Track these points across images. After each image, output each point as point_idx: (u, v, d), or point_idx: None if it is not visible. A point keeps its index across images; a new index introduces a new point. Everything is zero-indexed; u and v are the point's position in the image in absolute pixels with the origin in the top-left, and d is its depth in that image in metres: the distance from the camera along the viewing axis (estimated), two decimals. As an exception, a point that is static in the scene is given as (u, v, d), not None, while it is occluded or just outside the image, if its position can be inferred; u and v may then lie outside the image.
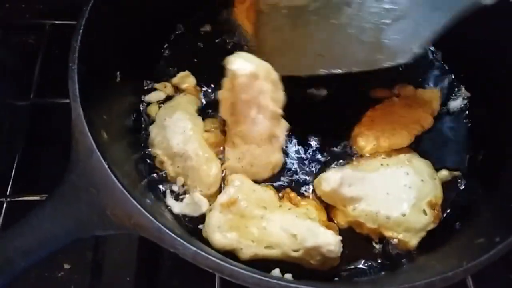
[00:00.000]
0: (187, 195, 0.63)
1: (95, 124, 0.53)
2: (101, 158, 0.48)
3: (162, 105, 0.71)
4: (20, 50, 0.83)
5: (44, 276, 0.69)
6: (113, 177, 0.47)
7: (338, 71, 0.61)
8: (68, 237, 0.46)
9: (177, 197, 0.64)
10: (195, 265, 0.68)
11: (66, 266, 0.69)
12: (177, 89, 0.73)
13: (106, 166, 0.47)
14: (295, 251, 0.57)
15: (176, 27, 0.78)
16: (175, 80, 0.72)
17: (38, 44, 0.83)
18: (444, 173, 0.67)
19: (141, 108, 0.71)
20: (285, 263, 0.57)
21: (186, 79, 0.73)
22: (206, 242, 0.58)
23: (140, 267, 0.69)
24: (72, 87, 0.52)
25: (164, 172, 0.65)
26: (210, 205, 0.62)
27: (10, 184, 0.69)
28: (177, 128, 0.65)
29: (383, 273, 0.59)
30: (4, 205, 0.67)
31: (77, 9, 0.82)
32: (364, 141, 0.68)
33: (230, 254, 0.57)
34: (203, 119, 0.69)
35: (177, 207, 0.62)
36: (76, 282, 0.68)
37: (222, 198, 0.60)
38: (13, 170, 0.70)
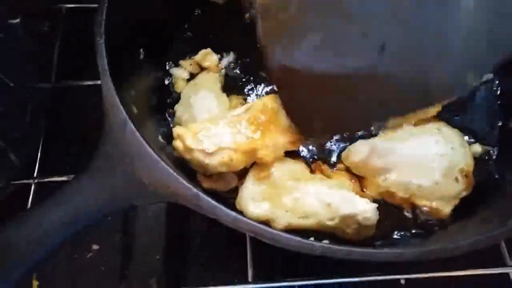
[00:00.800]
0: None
1: (125, 98, 0.52)
2: (134, 129, 0.47)
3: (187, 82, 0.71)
4: (38, 34, 0.83)
5: (74, 258, 0.69)
6: (148, 146, 0.46)
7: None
8: (105, 208, 0.46)
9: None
10: (223, 241, 0.70)
11: (95, 247, 0.70)
12: (201, 67, 0.72)
13: (140, 136, 0.47)
14: (331, 220, 0.56)
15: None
16: (197, 57, 0.71)
17: (55, 29, 0.83)
18: (476, 148, 0.66)
19: (167, 84, 0.71)
20: (320, 233, 0.57)
21: (207, 57, 0.72)
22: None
23: (169, 245, 0.69)
24: (101, 61, 0.52)
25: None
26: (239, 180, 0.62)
27: (37, 166, 0.69)
28: (203, 106, 0.65)
29: (419, 240, 0.58)
30: (32, 187, 0.67)
31: None
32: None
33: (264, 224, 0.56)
34: (227, 96, 0.68)
35: (206, 182, 0.62)
36: (106, 263, 0.68)
37: (254, 170, 0.59)
38: (39, 152, 0.70)
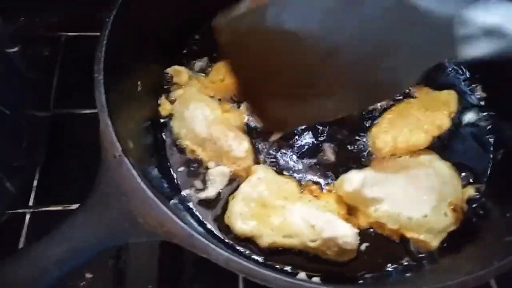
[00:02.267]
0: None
1: (121, 133, 0.53)
2: (130, 167, 0.48)
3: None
4: (37, 62, 0.84)
5: (68, 286, 0.68)
6: (143, 185, 0.47)
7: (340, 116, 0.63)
8: (101, 245, 0.47)
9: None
10: (216, 272, 0.70)
11: (88, 275, 0.69)
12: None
13: (136, 174, 0.48)
14: (313, 241, 0.58)
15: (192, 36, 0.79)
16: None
17: (54, 56, 0.85)
18: (468, 188, 0.67)
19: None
20: (303, 254, 0.59)
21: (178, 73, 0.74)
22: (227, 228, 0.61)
23: (162, 274, 0.69)
24: (99, 97, 0.53)
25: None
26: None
27: (33, 195, 0.70)
28: (197, 117, 0.67)
29: (408, 274, 0.59)
30: (27, 216, 0.68)
31: (91, 21, 0.86)
32: (382, 143, 0.68)
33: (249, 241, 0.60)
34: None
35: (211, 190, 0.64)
36: (99, 291, 0.68)
37: (245, 188, 0.61)
38: (35, 181, 0.71)
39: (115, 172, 0.48)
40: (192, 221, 0.60)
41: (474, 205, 0.65)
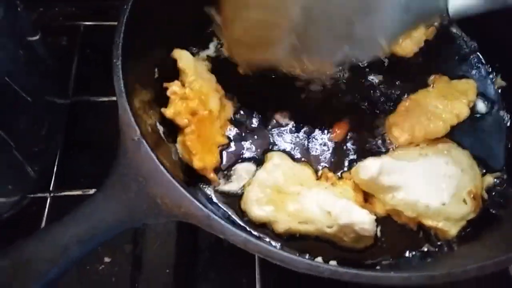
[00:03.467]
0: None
1: (140, 117, 0.54)
2: (149, 149, 0.49)
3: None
4: (56, 50, 0.85)
5: (86, 269, 0.70)
6: (161, 167, 0.48)
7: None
8: (120, 226, 0.47)
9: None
10: (233, 256, 0.71)
11: (107, 259, 0.71)
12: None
13: (154, 156, 0.49)
14: (329, 227, 0.58)
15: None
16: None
17: (72, 45, 0.86)
18: (488, 179, 0.66)
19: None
20: (320, 240, 0.59)
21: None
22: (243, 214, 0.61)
23: (179, 259, 0.70)
24: (117, 82, 0.53)
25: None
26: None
27: (53, 179, 0.71)
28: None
29: (427, 260, 0.58)
30: (48, 200, 0.69)
31: (109, 11, 0.87)
32: (399, 132, 0.68)
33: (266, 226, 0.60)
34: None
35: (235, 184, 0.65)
36: (117, 275, 0.70)
37: (261, 174, 0.62)
38: (55, 166, 0.72)
39: (134, 155, 0.49)
40: (209, 204, 0.60)
41: (493, 194, 0.64)
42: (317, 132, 0.69)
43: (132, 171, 0.48)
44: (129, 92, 0.54)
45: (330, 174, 0.65)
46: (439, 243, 0.61)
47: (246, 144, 0.68)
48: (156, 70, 0.67)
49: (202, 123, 0.63)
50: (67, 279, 0.69)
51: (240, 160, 0.66)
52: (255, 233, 0.60)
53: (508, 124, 0.71)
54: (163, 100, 0.68)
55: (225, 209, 0.63)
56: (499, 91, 0.74)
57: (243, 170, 0.65)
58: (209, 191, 0.64)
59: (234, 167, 0.66)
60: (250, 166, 0.66)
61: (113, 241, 0.71)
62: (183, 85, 0.66)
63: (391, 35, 0.59)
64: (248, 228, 0.61)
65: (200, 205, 0.45)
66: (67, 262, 0.46)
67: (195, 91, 0.64)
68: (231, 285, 0.70)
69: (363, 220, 0.58)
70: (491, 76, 0.76)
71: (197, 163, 0.61)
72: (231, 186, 0.64)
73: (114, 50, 0.55)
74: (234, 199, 0.63)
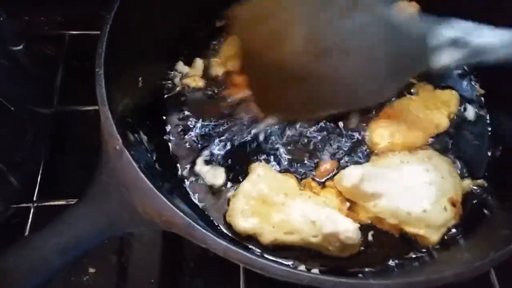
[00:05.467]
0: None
1: (122, 126, 0.54)
2: (131, 158, 0.49)
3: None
4: (41, 60, 0.85)
5: (70, 281, 0.69)
6: (143, 176, 0.48)
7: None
8: (101, 235, 0.47)
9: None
10: (218, 266, 0.71)
11: (91, 269, 0.70)
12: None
13: (136, 165, 0.49)
14: (314, 236, 0.59)
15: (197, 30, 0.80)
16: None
17: (57, 54, 0.86)
18: (467, 182, 0.67)
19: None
20: (305, 250, 0.59)
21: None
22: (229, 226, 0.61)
23: (164, 269, 0.70)
24: (99, 91, 0.53)
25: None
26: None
27: (37, 189, 0.71)
28: None
29: (409, 268, 0.59)
30: (32, 210, 0.69)
31: (94, 20, 0.87)
32: (379, 138, 0.69)
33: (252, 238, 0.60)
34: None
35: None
36: (102, 285, 0.69)
37: (245, 186, 0.62)
38: (39, 176, 0.72)
39: (115, 164, 0.49)
40: (194, 215, 0.60)
41: (474, 201, 0.65)
42: (300, 141, 0.70)
43: (113, 180, 0.48)
44: (112, 101, 0.54)
45: (314, 184, 0.66)
46: (421, 250, 0.61)
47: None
48: (140, 79, 0.67)
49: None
50: (51, 289, 0.69)
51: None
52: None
53: (490, 133, 0.72)
54: (147, 109, 0.69)
55: (215, 221, 0.63)
56: (482, 99, 0.75)
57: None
58: (195, 199, 0.64)
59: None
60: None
61: (98, 251, 0.71)
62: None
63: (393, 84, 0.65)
64: (235, 239, 0.61)
65: (182, 214, 0.45)
66: (48, 272, 0.46)
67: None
68: (216, 296, 0.70)
69: (347, 228, 0.58)
70: (471, 84, 0.77)
71: None
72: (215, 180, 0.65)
73: (97, 59, 0.56)
74: (220, 213, 0.64)
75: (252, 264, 0.44)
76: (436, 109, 0.72)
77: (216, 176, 0.66)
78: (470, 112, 0.74)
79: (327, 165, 0.67)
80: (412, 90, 0.74)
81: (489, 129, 0.73)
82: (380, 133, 0.69)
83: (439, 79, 0.76)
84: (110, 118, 0.52)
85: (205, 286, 0.70)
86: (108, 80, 0.55)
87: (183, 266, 0.72)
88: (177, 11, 0.73)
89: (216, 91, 0.74)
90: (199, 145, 0.69)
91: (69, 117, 0.79)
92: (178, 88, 0.74)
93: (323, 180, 0.67)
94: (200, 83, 0.74)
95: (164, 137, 0.70)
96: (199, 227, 0.45)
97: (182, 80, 0.75)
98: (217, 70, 0.75)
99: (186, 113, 0.72)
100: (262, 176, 0.64)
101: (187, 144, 0.69)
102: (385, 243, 0.62)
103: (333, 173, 0.67)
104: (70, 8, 0.90)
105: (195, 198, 0.65)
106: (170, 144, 0.69)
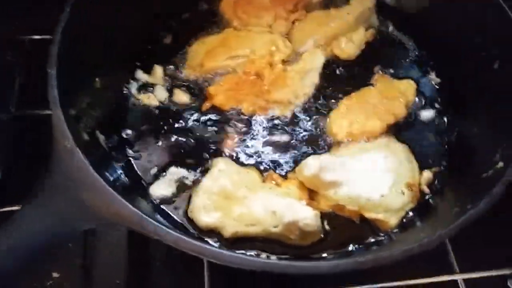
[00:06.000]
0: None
1: (75, 126, 0.54)
2: (82, 157, 0.49)
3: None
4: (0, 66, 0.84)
5: (33, 286, 0.68)
6: (93, 171, 0.48)
7: None
8: (51, 234, 0.47)
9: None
10: (183, 264, 0.71)
11: (55, 274, 0.69)
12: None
13: (87, 163, 0.48)
14: (275, 227, 0.59)
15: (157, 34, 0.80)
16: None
17: (17, 59, 0.85)
18: (427, 174, 0.68)
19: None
20: (268, 241, 0.60)
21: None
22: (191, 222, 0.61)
23: (130, 269, 0.69)
24: (51, 91, 0.53)
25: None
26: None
27: (-4, 195, 0.70)
28: None
29: (368, 251, 0.60)
30: (-11, 217, 0.67)
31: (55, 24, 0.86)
32: (338, 128, 0.70)
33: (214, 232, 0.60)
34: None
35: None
36: (67, 289, 0.68)
37: (206, 181, 0.62)
38: (-2, 182, 0.71)
39: (66, 162, 0.49)
40: (152, 210, 0.60)
41: (432, 186, 0.67)
42: (260, 132, 0.71)
43: (63, 178, 0.48)
44: (65, 101, 0.54)
45: (275, 175, 0.66)
46: (380, 234, 0.63)
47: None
48: (97, 79, 0.67)
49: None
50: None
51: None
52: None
53: (446, 121, 0.74)
54: (107, 109, 0.69)
55: (176, 217, 0.63)
56: (437, 89, 0.77)
57: (175, 174, 0.66)
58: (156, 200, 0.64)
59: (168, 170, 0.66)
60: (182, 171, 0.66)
61: (62, 256, 0.70)
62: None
63: None
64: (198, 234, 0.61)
65: (130, 206, 0.45)
66: (1, 275, 0.45)
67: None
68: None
69: (306, 215, 0.59)
70: (427, 73, 0.79)
71: None
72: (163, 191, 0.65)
73: (49, 59, 0.55)
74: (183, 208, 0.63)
75: (203, 253, 0.44)
76: (394, 99, 0.74)
77: (177, 174, 0.66)
78: (426, 101, 0.76)
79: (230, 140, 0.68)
80: (371, 81, 0.76)
81: (445, 118, 0.74)
82: (338, 123, 0.70)
83: (398, 70, 0.78)
84: (61, 118, 0.52)
85: (171, 285, 0.70)
86: (61, 80, 0.55)
87: (150, 266, 0.71)
88: (135, 15, 0.73)
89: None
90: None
91: (28, 122, 0.78)
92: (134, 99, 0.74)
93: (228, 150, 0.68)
94: (154, 102, 0.73)
95: (124, 136, 0.69)
96: (149, 218, 0.45)
97: (139, 91, 0.74)
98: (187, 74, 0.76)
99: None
100: (223, 171, 0.64)
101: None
102: (346, 229, 0.63)
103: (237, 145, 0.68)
104: (30, 13, 0.89)
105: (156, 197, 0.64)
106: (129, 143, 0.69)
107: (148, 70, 0.76)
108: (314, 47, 0.78)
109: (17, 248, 0.46)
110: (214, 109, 0.72)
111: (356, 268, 0.44)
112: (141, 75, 0.75)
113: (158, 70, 0.76)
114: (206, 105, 0.72)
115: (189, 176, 0.66)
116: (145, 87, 0.74)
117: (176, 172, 0.66)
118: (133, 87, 0.74)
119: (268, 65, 0.74)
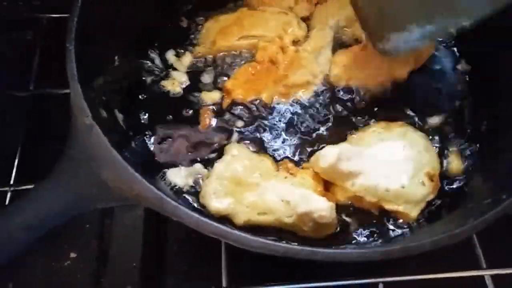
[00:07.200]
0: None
1: (94, 102, 0.53)
2: (101, 133, 0.48)
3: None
4: (19, 43, 0.83)
5: (51, 265, 0.68)
6: (113, 150, 0.47)
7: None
8: (69, 211, 0.46)
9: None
10: (199, 248, 0.70)
11: (72, 254, 0.69)
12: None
13: (106, 140, 0.47)
14: (288, 217, 0.57)
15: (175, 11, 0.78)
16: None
17: (36, 38, 0.84)
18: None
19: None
20: (280, 232, 0.58)
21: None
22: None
23: (146, 253, 0.69)
24: (69, 66, 0.52)
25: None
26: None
27: (14, 173, 0.69)
28: None
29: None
30: (8, 194, 0.67)
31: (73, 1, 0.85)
32: (339, 69, 0.71)
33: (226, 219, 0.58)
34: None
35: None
36: (83, 270, 0.68)
37: (219, 166, 0.61)
38: (16, 160, 0.70)
39: (85, 138, 0.48)
40: (170, 192, 0.59)
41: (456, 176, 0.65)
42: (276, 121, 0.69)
43: (83, 156, 0.47)
44: (84, 77, 0.53)
45: (290, 165, 0.64)
46: (402, 226, 0.60)
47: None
48: (116, 58, 0.66)
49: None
50: (32, 275, 0.67)
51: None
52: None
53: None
54: (124, 87, 0.67)
55: (191, 202, 0.62)
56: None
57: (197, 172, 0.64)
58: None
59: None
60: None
61: (79, 236, 0.70)
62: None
63: None
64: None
65: (152, 187, 0.44)
66: (14, 249, 0.44)
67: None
68: (199, 277, 0.68)
69: (321, 207, 0.56)
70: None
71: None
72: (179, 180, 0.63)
73: (68, 35, 0.54)
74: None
75: (225, 236, 0.43)
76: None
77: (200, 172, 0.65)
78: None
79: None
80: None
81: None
82: (342, 65, 0.71)
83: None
84: (80, 94, 0.51)
85: (188, 269, 0.69)
86: (80, 56, 0.54)
87: (166, 249, 0.71)
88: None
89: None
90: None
91: (47, 101, 0.77)
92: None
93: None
94: (177, 88, 0.71)
95: (143, 118, 0.68)
96: (170, 200, 0.43)
97: (160, 75, 0.73)
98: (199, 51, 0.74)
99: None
100: (237, 157, 0.62)
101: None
102: (365, 222, 0.61)
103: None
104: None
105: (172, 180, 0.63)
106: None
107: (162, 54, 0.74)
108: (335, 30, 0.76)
109: (31, 223, 0.46)
110: (235, 104, 0.69)
111: (383, 258, 0.42)
112: (170, 56, 0.74)
113: (187, 57, 0.74)
114: (227, 102, 0.69)
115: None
116: (166, 70, 0.73)
117: (199, 169, 0.64)
118: (154, 69, 0.73)
119: (280, 49, 0.72)
